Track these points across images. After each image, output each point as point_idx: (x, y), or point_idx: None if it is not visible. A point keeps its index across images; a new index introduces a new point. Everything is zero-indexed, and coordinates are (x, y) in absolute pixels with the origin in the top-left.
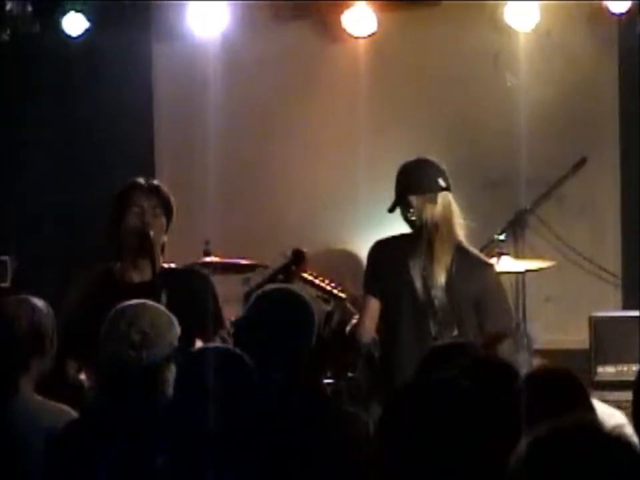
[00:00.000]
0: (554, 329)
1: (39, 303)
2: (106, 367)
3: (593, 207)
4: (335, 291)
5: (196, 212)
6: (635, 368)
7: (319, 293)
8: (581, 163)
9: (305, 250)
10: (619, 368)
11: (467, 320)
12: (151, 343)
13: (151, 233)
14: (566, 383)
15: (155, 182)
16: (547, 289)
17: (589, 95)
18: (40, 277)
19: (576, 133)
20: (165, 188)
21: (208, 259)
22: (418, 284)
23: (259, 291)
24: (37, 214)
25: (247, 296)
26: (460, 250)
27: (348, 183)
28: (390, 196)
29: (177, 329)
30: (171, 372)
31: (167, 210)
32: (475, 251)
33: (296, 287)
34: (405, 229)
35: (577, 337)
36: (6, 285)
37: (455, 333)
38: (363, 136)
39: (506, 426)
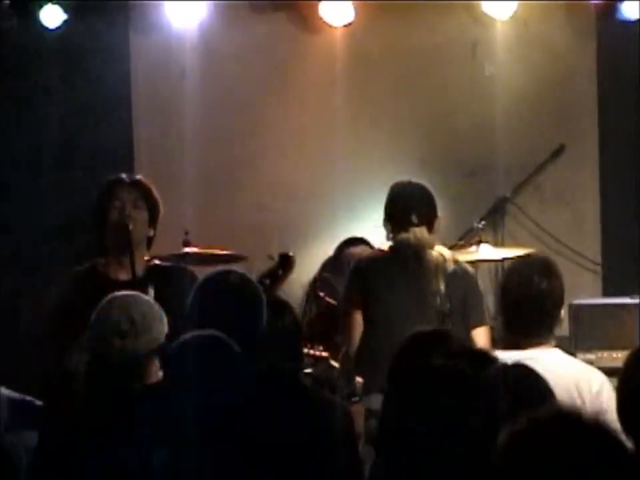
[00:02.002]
0: None
1: None
2: (92, 351)
3: (572, 195)
4: (317, 353)
5: (175, 203)
6: (614, 355)
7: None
8: (559, 150)
9: (291, 254)
10: (599, 355)
11: (455, 320)
12: (138, 333)
13: (130, 225)
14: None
15: (137, 177)
16: None
17: (567, 83)
18: (17, 278)
19: (554, 121)
20: (146, 181)
21: (187, 250)
22: (404, 298)
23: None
24: (16, 208)
25: None
26: (438, 263)
27: (327, 173)
28: (371, 189)
29: (165, 325)
30: (155, 366)
31: (150, 203)
32: (453, 259)
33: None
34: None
35: None
36: None
37: None
38: (342, 126)
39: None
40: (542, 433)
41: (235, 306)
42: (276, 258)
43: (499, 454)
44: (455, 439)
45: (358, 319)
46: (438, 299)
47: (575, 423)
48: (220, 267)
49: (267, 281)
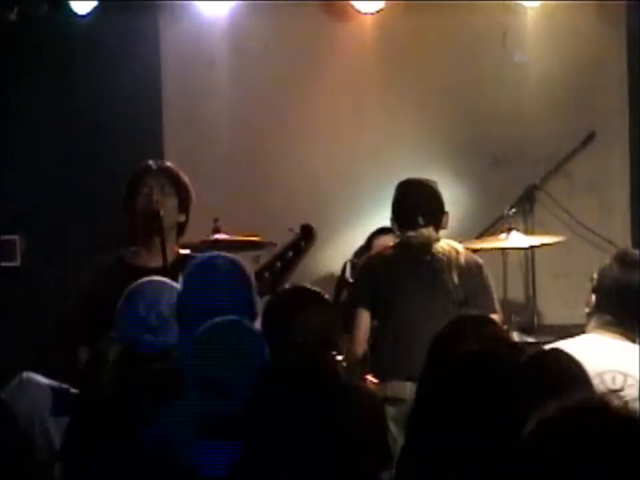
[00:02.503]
0: (563, 304)
1: None
2: (121, 347)
3: (602, 182)
4: None
5: (204, 190)
6: None
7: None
8: (590, 138)
9: (313, 225)
10: None
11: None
12: (169, 327)
13: (161, 211)
14: (561, 366)
15: (165, 163)
16: (556, 265)
17: (597, 71)
18: (49, 257)
19: (584, 109)
20: (174, 168)
21: (217, 237)
22: (424, 289)
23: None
24: (45, 194)
25: (258, 275)
26: (450, 257)
27: (356, 162)
28: (400, 177)
29: None
30: None
31: (179, 189)
32: (463, 252)
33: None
34: None
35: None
36: (15, 264)
37: None
38: (371, 114)
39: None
40: (570, 421)
41: (225, 290)
42: (297, 230)
43: (527, 441)
44: (489, 425)
45: (365, 317)
46: (452, 290)
47: (604, 412)
48: (208, 253)
49: (290, 253)
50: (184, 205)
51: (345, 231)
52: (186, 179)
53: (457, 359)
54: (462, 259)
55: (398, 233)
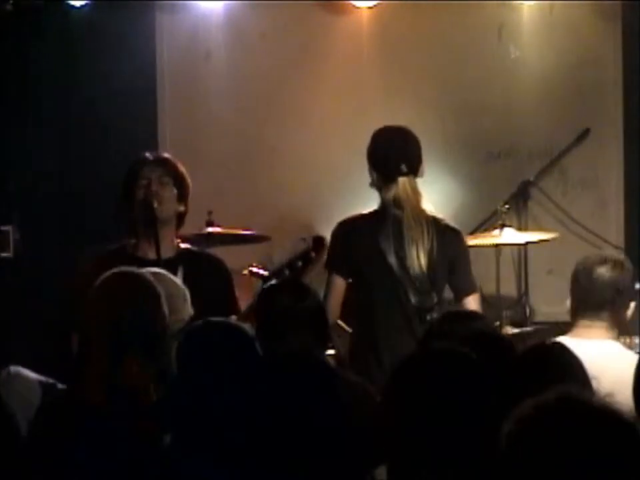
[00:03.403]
0: (556, 301)
1: None
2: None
3: (596, 179)
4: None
5: (199, 183)
6: (637, 340)
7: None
8: (584, 134)
9: (325, 237)
10: (621, 340)
11: (443, 285)
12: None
13: (155, 203)
14: (560, 359)
15: (162, 154)
16: (549, 261)
17: (593, 67)
18: (42, 248)
19: (579, 105)
20: (172, 158)
21: (210, 230)
22: (391, 258)
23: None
24: (40, 185)
25: (266, 281)
26: (429, 220)
27: (351, 154)
28: None
29: (190, 306)
30: None
31: (177, 179)
32: (443, 219)
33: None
34: None
35: None
36: (8, 255)
37: (435, 299)
38: (366, 107)
39: (503, 398)
40: (547, 417)
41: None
42: (309, 241)
43: (505, 439)
44: (464, 425)
45: (339, 284)
46: (425, 260)
47: (579, 405)
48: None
49: (300, 263)
50: (182, 195)
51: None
52: (183, 169)
53: (446, 355)
54: (441, 225)
55: (377, 184)
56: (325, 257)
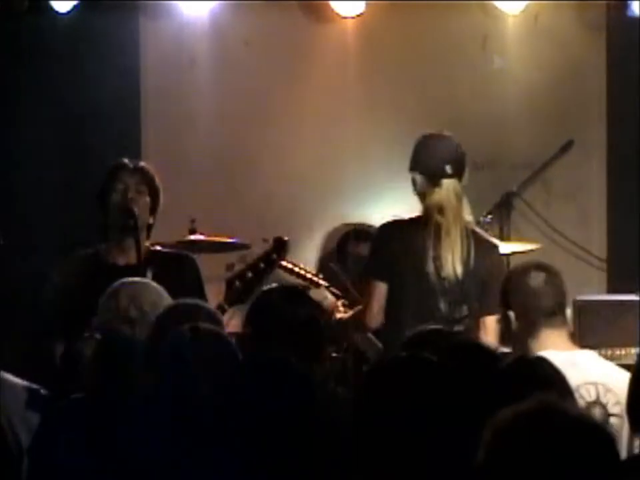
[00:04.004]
0: None
1: None
2: (100, 339)
3: (579, 190)
4: (315, 279)
5: (182, 191)
6: (618, 352)
7: (300, 281)
8: (568, 145)
9: (286, 238)
10: (603, 352)
11: (474, 298)
12: (147, 322)
13: (135, 209)
14: (542, 370)
15: (140, 163)
16: None
17: (577, 78)
18: (25, 254)
19: (563, 116)
20: (150, 169)
21: (193, 237)
22: (428, 265)
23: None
24: (20, 190)
25: (229, 283)
26: (468, 231)
27: (334, 163)
28: (378, 179)
29: None
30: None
31: (152, 189)
32: (482, 232)
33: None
34: (391, 211)
35: None
36: None
37: (465, 311)
38: (350, 116)
39: (483, 408)
40: (525, 426)
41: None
42: (270, 242)
43: (483, 449)
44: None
45: (381, 289)
46: (461, 271)
47: (559, 416)
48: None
49: (262, 265)
50: (154, 206)
51: (322, 231)
52: (159, 181)
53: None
54: (482, 236)
55: (421, 190)
56: (285, 257)
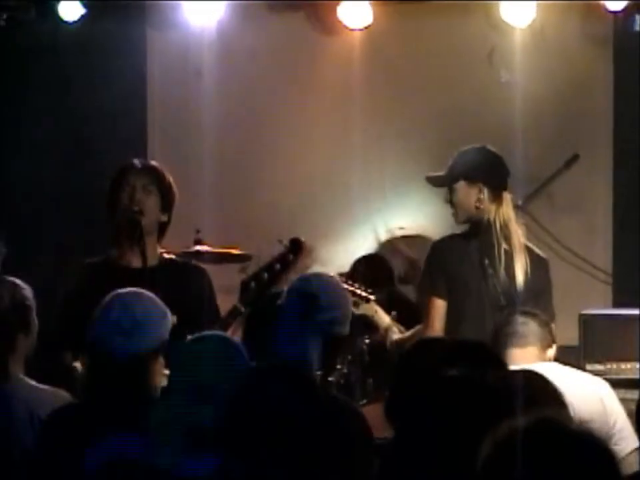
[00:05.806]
0: None
1: (19, 281)
2: (93, 350)
3: (585, 204)
4: (365, 294)
5: (187, 200)
6: (623, 366)
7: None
8: (574, 159)
9: (303, 239)
10: (608, 366)
11: None
12: (141, 332)
13: (140, 209)
14: (537, 386)
15: (149, 162)
16: None
17: (584, 92)
18: (31, 263)
19: (569, 130)
20: (158, 166)
21: (198, 248)
22: (486, 280)
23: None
24: (28, 200)
25: (244, 285)
26: (522, 246)
27: (341, 173)
28: (383, 190)
29: (169, 322)
30: (160, 364)
31: (162, 187)
32: (532, 246)
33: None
34: (398, 220)
35: (567, 334)
36: None
37: None
38: (357, 127)
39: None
40: (524, 440)
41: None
42: (286, 243)
43: (482, 462)
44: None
45: (441, 306)
46: (515, 287)
47: (558, 431)
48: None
49: (278, 266)
50: (166, 204)
51: (329, 242)
52: (170, 178)
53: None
54: (534, 252)
55: (483, 204)
56: (302, 259)
